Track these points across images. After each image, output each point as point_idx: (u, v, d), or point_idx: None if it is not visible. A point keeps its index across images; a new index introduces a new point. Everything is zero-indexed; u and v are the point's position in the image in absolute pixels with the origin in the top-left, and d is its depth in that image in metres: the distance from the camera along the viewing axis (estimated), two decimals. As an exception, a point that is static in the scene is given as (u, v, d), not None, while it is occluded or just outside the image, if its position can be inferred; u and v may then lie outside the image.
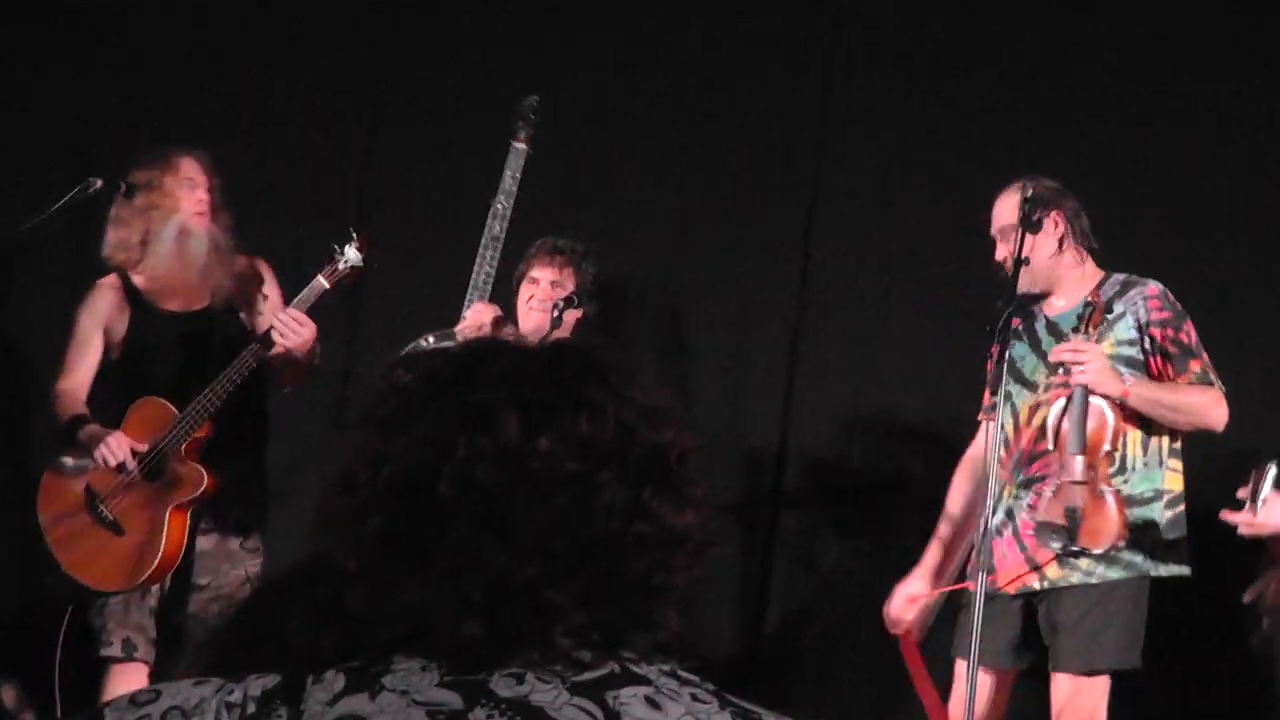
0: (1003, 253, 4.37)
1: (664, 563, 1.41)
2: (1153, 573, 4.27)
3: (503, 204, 4.57)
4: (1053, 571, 4.28)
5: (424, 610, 1.39)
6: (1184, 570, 4.31)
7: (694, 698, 1.40)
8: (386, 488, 1.40)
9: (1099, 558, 4.23)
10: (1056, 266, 4.39)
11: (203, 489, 4.53)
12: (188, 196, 4.67)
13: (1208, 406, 4.30)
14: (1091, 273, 4.43)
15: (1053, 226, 4.35)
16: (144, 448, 4.57)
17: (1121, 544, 4.19)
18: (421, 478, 1.39)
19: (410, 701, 1.37)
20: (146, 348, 4.74)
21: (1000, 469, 4.30)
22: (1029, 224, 4.26)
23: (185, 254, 4.66)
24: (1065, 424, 4.22)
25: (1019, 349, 4.38)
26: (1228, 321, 4.89)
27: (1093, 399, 4.21)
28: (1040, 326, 4.43)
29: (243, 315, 4.80)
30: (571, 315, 4.70)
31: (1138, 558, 4.26)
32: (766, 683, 5.20)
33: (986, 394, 4.46)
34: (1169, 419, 4.30)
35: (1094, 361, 4.20)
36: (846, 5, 5.55)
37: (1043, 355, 4.38)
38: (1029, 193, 4.30)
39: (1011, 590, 4.29)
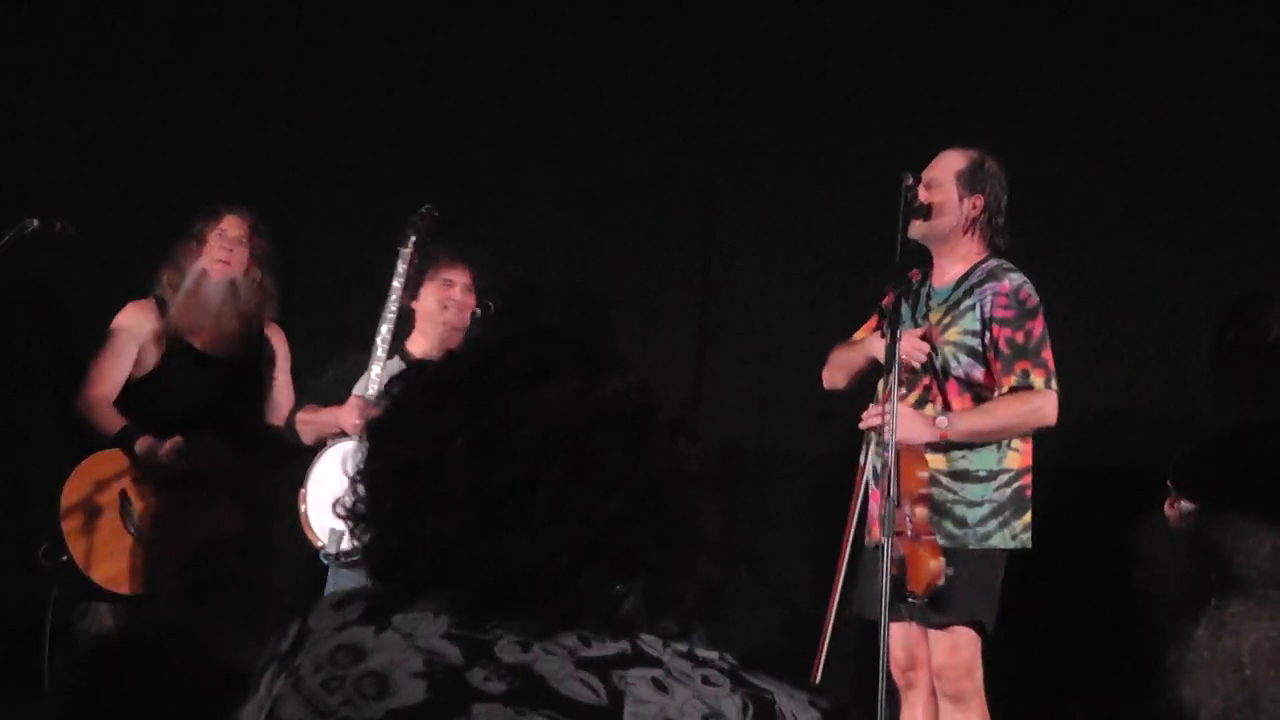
0: (924, 196, 4.38)
1: (706, 502, 1.48)
2: (1000, 546, 4.30)
3: (391, 310, 4.74)
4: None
5: (527, 557, 1.41)
6: (1026, 545, 4.32)
7: (705, 680, 1.41)
8: (468, 453, 1.43)
9: (957, 524, 4.27)
10: (951, 238, 4.42)
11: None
12: (216, 245, 4.95)
13: (1029, 415, 4.30)
14: (975, 255, 4.43)
15: (970, 207, 4.41)
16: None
17: (940, 582, 4.16)
18: (496, 436, 1.43)
19: (411, 645, 1.39)
20: (173, 377, 4.96)
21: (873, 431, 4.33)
22: (916, 208, 4.30)
23: (199, 296, 4.95)
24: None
25: (904, 312, 4.38)
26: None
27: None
28: (924, 294, 4.46)
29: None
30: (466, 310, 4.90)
31: (983, 528, 4.29)
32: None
33: (872, 321, 4.54)
34: (996, 439, 4.31)
35: (899, 418, 4.18)
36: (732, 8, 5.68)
37: (920, 323, 4.42)
38: (962, 165, 4.40)
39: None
